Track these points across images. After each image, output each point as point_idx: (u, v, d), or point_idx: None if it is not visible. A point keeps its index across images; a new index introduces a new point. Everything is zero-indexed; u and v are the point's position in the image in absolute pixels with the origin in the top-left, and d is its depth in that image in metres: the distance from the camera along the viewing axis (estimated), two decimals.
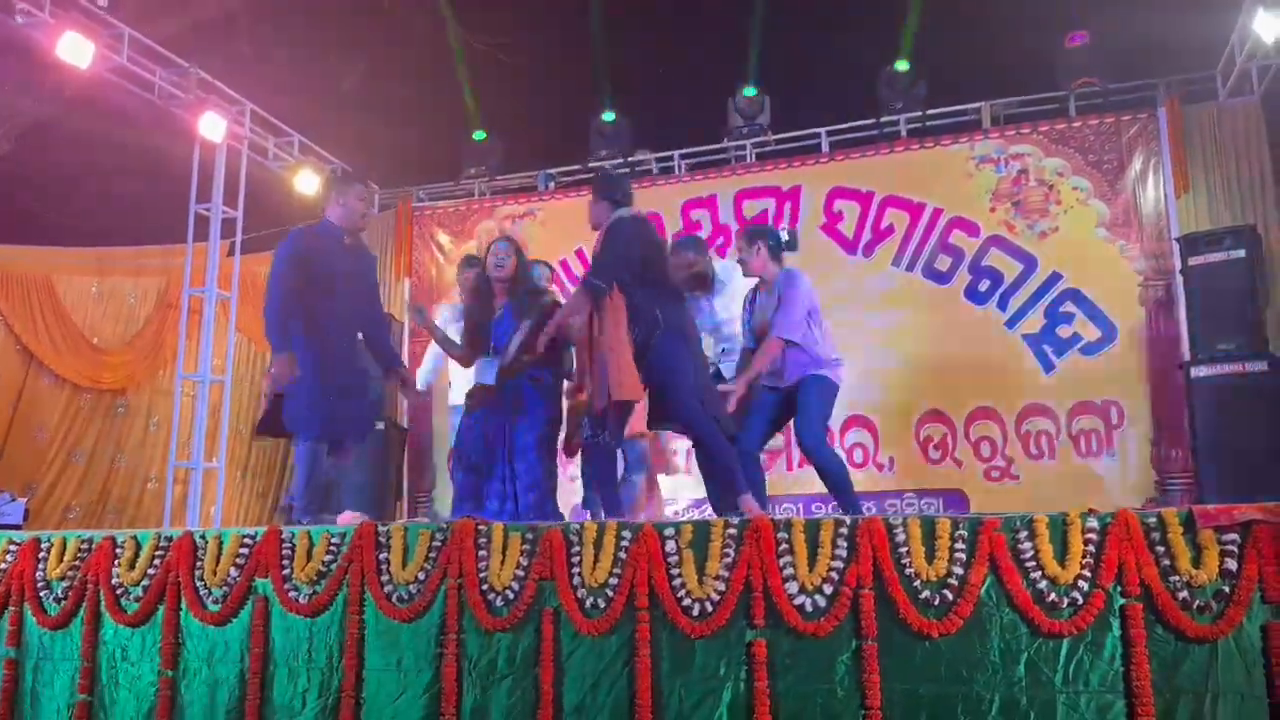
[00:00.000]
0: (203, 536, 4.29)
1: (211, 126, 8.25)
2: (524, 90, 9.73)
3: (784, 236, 5.18)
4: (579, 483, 5.30)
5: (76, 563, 4.43)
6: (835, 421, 8.22)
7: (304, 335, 4.77)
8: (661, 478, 5.81)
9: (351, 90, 9.67)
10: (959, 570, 3.30)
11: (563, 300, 5.23)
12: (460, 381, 6.01)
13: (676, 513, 7.57)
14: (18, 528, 7.08)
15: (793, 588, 3.43)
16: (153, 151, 8.42)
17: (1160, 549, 3.19)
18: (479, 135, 9.72)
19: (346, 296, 4.93)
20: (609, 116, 9.28)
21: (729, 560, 3.52)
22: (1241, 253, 6.73)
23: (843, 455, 5.07)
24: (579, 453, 5.11)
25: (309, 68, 8.99)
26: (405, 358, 9.31)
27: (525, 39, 9.33)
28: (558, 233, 9.10)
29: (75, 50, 7.23)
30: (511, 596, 3.73)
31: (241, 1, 8.80)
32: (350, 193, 5.02)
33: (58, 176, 9.03)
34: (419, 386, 6.55)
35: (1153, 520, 3.23)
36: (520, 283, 5.11)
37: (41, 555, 4.50)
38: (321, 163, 9.64)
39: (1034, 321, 7.96)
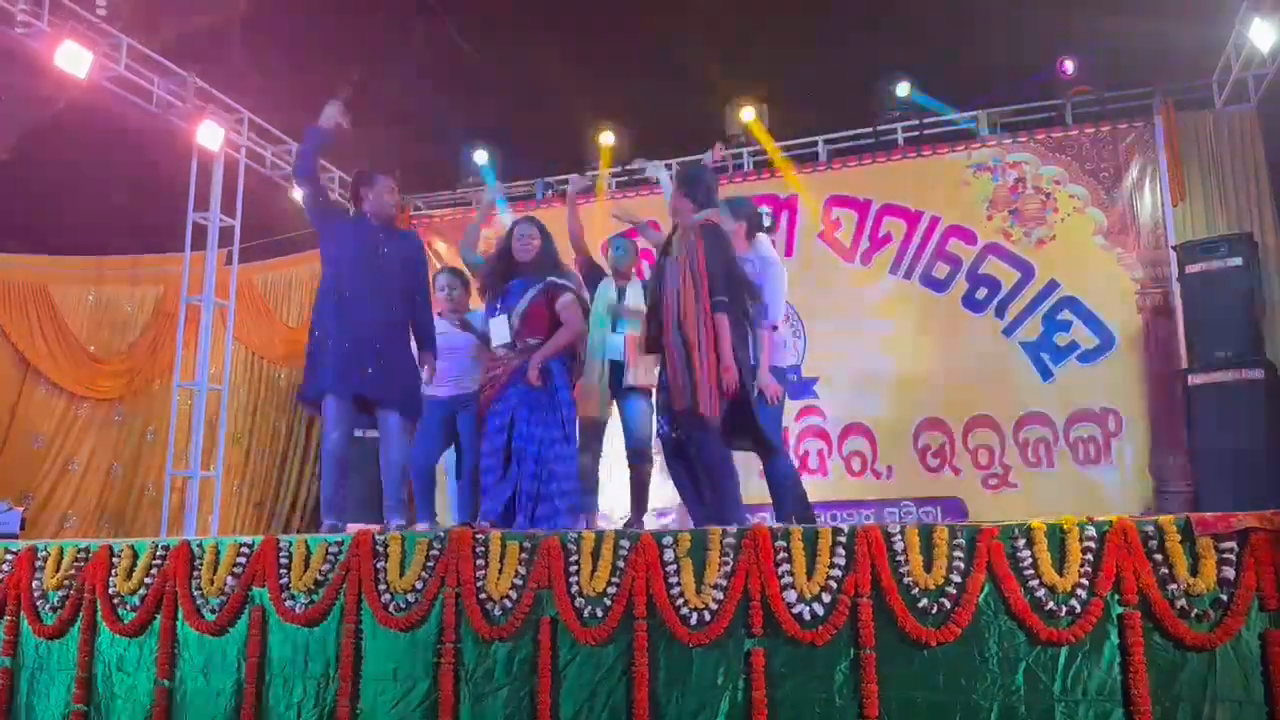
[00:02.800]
0: (200, 545, 4.28)
1: (209, 135, 8.26)
2: (522, 99, 9.74)
3: (766, 222, 5.21)
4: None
5: (73, 572, 4.41)
6: (834, 430, 8.25)
7: (333, 308, 4.82)
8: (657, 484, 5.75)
9: (350, 99, 9.67)
10: (957, 578, 3.29)
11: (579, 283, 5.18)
12: None
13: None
14: (14, 537, 7.06)
15: (791, 596, 3.42)
16: (150, 160, 8.41)
17: (1158, 557, 3.19)
18: (479, 157, 9.82)
19: (374, 278, 4.89)
20: (607, 138, 9.43)
21: (727, 569, 3.52)
22: (1238, 260, 6.73)
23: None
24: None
25: (307, 77, 8.97)
26: None
27: (524, 49, 9.34)
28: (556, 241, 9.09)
29: (73, 59, 7.23)
30: (509, 605, 3.73)
31: (240, 11, 8.81)
32: (378, 185, 5.04)
33: (55, 185, 9.01)
34: None
35: (1150, 528, 3.23)
36: (544, 267, 4.97)
37: (38, 564, 4.49)
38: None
39: (1032, 329, 7.97)
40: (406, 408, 4.97)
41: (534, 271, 4.95)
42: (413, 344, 5.06)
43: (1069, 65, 8.23)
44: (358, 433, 7.36)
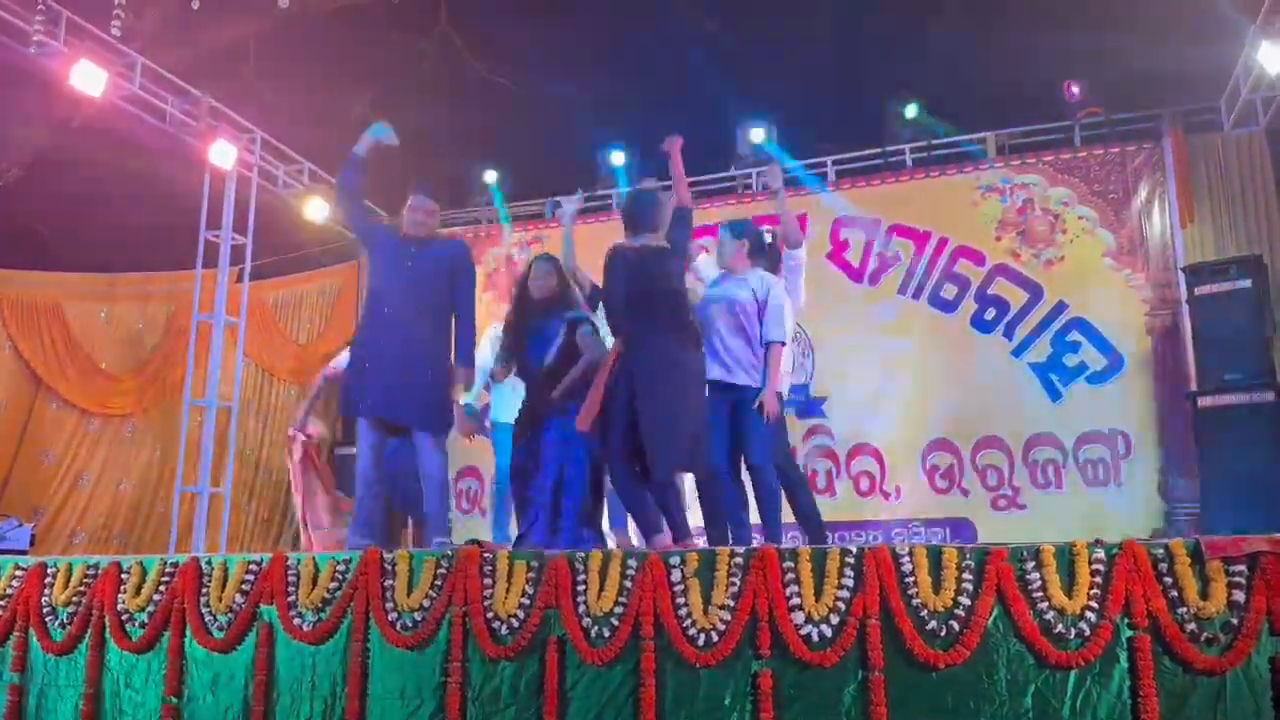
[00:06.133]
0: (208, 562, 4.28)
1: (222, 154, 8.32)
2: (531, 119, 9.81)
3: (766, 239, 5.24)
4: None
5: (82, 588, 4.42)
6: (842, 450, 8.23)
7: (366, 326, 4.96)
8: None
9: (361, 118, 9.76)
10: (966, 600, 3.28)
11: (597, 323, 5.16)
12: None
13: None
14: (24, 553, 7.08)
15: (799, 617, 3.41)
16: (163, 178, 8.48)
17: (1168, 580, 3.18)
18: (490, 178, 9.88)
19: (402, 293, 4.93)
20: (616, 156, 9.45)
21: (735, 589, 3.51)
22: (1247, 283, 6.73)
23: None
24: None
25: (319, 96, 9.06)
26: None
27: (534, 67, 9.41)
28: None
29: (88, 78, 7.30)
30: (516, 625, 3.72)
31: (253, 30, 8.89)
32: (411, 202, 5.07)
33: (69, 203, 9.09)
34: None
35: (1160, 551, 3.22)
36: (560, 302, 5.08)
37: (47, 580, 4.50)
38: (331, 190, 9.69)
39: (1040, 350, 7.97)
40: (430, 424, 4.95)
41: (551, 313, 5.05)
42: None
43: (1075, 89, 8.24)
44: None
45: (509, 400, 5.67)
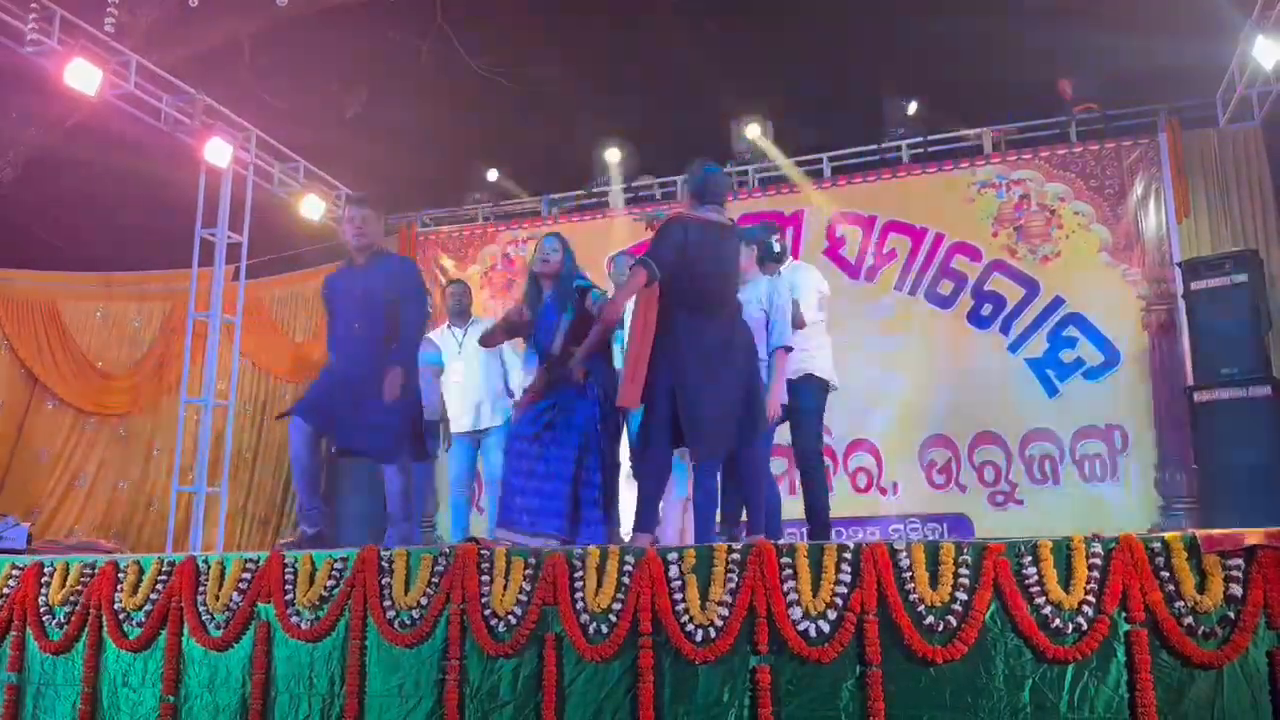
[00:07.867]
0: (205, 561, 4.28)
1: (217, 152, 8.30)
2: (528, 116, 9.79)
3: (776, 248, 5.27)
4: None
5: (79, 587, 4.41)
6: (839, 446, 8.23)
7: (330, 356, 5.01)
8: None
9: (357, 116, 9.75)
10: (963, 596, 3.28)
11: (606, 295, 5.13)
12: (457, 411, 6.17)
13: None
14: (20, 552, 7.06)
15: (796, 613, 3.42)
16: (159, 177, 8.46)
17: (1165, 574, 3.18)
18: (490, 174, 9.88)
19: (348, 314, 4.94)
20: (610, 154, 9.45)
21: (732, 585, 3.51)
22: (1244, 277, 6.74)
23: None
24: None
25: (315, 94, 9.06)
26: None
27: (530, 65, 9.40)
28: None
29: (83, 77, 7.29)
30: (514, 622, 3.72)
31: (248, 29, 8.88)
32: (344, 216, 5.10)
33: (64, 202, 9.07)
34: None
35: (1157, 545, 3.22)
36: (565, 278, 5.10)
37: (44, 580, 4.49)
38: (327, 188, 9.69)
39: (1037, 346, 7.97)
40: (378, 455, 4.99)
41: (555, 286, 5.09)
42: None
43: (1068, 87, 8.25)
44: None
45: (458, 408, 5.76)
